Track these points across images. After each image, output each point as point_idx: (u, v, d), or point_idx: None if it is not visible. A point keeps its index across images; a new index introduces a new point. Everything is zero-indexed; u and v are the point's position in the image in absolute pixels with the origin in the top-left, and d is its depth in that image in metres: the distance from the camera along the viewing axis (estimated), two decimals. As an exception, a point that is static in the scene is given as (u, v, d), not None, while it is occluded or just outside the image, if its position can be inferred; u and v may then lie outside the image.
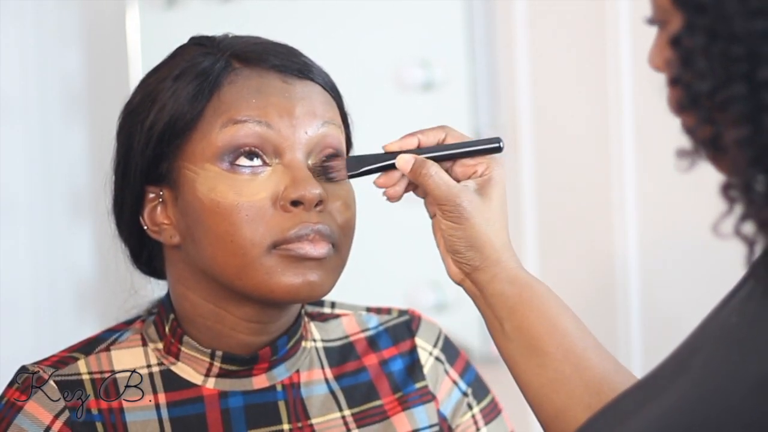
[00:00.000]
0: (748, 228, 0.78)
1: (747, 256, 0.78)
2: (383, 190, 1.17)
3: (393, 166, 1.16)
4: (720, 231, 0.82)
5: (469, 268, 1.13)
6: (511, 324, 1.10)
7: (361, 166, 1.17)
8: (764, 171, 0.78)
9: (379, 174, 1.17)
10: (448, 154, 1.15)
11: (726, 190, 0.81)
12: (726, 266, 2.13)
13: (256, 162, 1.16)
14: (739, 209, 0.79)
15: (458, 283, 1.15)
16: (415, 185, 1.17)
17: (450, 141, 1.16)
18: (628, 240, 2.25)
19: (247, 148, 1.16)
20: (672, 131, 2.44)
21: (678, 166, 0.85)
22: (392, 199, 1.18)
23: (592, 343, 1.09)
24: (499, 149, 1.14)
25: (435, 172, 1.13)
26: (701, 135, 0.81)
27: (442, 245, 1.15)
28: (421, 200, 1.19)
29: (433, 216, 1.16)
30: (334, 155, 1.18)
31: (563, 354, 1.08)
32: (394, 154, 1.16)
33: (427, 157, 1.14)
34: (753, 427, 0.68)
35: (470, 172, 1.15)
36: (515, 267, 1.13)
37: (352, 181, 1.22)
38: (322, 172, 1.17)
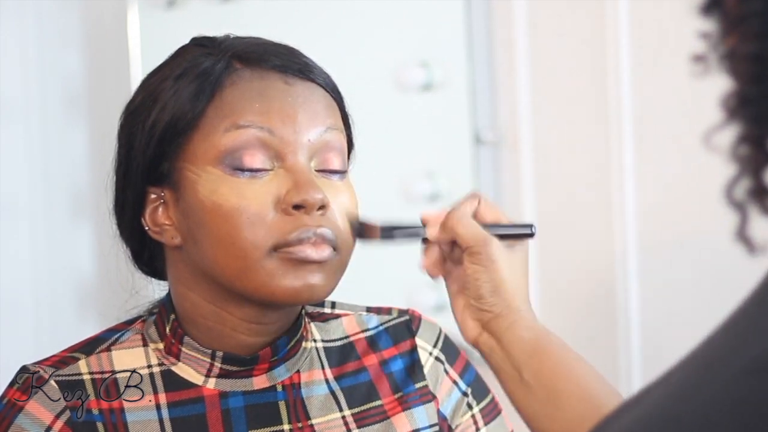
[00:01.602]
0: (741, 191, 0.77)
1: (740, 226, 0.78)
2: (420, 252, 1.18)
3: (423, 233, 1.18)
4: (712, 144, 0.83)
5: (489, 315, 1.14)
6: (529, 370, 1.11)
7: (393, 230, 1.20)
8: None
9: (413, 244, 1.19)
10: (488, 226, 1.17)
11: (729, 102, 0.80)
12: (726, 266, 2.13)
13: (258, 165, 1.16)
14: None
15: (473, 343, 1.16)
16: (449, 252, 1.18)
17: (483, 208, 1.17)
18: (628, 240, 2.25)
19: (249, 153, 1.16)
20: (672, 131, 2.45)
21: (693, 70, 0.85)
22: (433, 275, 1.19)
23: (608, 387, 1.11)
24: (531, 235, 1.16)
25: (463, 217, 1.14)
26: (727, 44, 0.79)
27: (460, 304, 1.16)
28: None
29: (452, 284, 1.17)
30: (367, 225, 1.19)
31: (581, 395, 1.09)
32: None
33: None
34: (742, 411, 0.69)
35: None
36: (533, 317, 1.14)
37: (353, 182, 1.22)
38: (358, 231, 1.19)
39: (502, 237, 1.15)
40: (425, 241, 1.18)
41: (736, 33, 0.78)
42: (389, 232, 1.19)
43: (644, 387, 0.82)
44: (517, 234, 1.16)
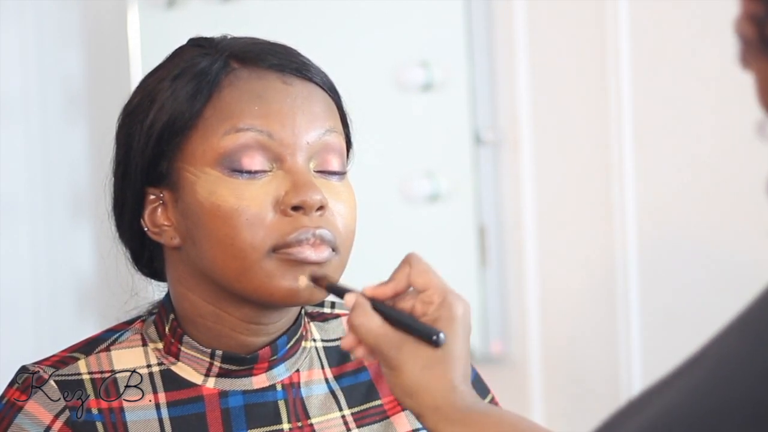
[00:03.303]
0: None
1: None
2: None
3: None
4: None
5: (414, 414, 1.04)
6: None
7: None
8: None
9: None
10: (391, 318, 1.05)
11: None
12: (726, 265, 2.13)
13: (257, 167, 1.16)
14: None
15: None
16: None
17: (414, 274, 1.07)
18: (628, 240, 2.25)
19: (248, 155, 1.16)
20: (672, 131, 2.45)
21: (734, 58, 0.82)
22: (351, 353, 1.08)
23: None
24: (435, 344, 1.03)
25: (361, 323, 1.04)
26: None
27: None
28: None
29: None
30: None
31: None
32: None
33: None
34: (759, 418, 0.68)
35: (427, 307, 1.06)
36: (464, 407, 1.02)
37: (353, 182, 1.22)
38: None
39: (408, 331, 1.04)
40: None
41: None
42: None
43: (648, 389, 0.81)
44: (422, 338, 1.03)
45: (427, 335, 1.03)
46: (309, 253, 1.15)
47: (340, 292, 1.11)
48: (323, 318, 1.30)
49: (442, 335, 1.03)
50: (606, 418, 0.84)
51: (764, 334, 0.72)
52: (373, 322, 1.04)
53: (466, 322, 1.05)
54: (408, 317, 1.05)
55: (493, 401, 1.33)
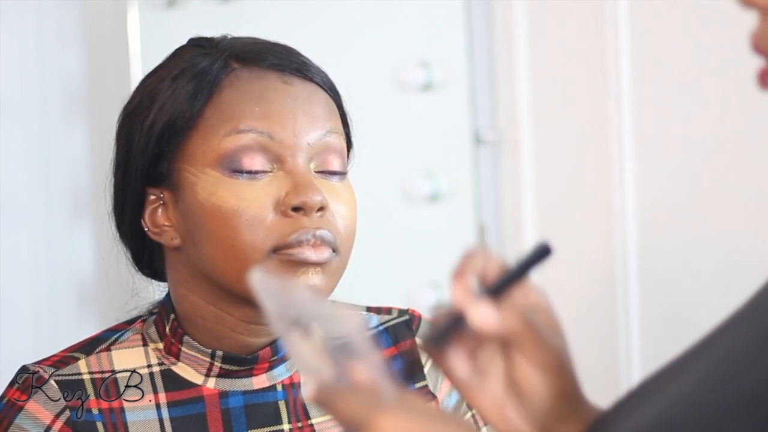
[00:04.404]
0: None
1: None
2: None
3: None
4: None
5: (551, 421, 0.85)
6: None
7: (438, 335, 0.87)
8: None
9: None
10: (514, 276, 0.86)
11: None
12: (726, 265, 2.13)
13: (258, 168, 1.16)
14: None
15: None
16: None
17: (489, 268, 0.86)
18: (628, 240, 2.25)
19: (249, 156, 1.16)
20: (672, 131, 2.45)
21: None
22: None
23: None
24: (549, 253, 0.86)
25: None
26: None
27: (497, 400, 0.87)
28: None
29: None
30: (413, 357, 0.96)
31: None
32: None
33: (499, 288, 0.85)
34: (763, 416, 0.68)
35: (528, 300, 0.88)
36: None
37: (353, 183, 1.22)
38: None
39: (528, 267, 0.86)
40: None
41: None
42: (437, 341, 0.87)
43: (649, 379, 0.80)
44: (537, 257, 0.86)
45: (541, 250, 0.86)
46: (309, 253, 1.15)
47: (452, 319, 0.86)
48: (323, 318, 1.30)
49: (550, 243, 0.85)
50: (608, 407, 0.82)
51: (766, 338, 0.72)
52: (486, 303, 0.84)
53: None
54: (512, 268, 0.86)
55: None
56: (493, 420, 0.87)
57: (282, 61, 1.20)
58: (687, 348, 0.77)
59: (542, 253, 0.87)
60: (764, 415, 0.68)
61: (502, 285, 0.85)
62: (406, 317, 1.32)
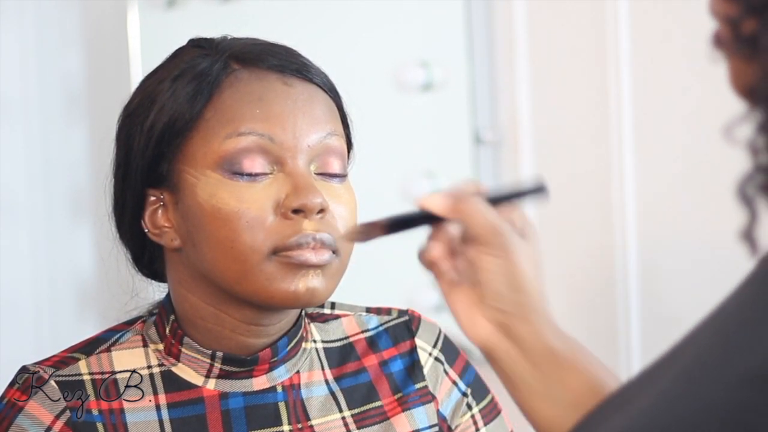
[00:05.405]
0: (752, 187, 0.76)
1: (748, 225, 0.76)
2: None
3: (428, 218, 1.00)
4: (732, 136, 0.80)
5: (506, 316, 0.97)
6: (559, 384, 0.96)
7: (398, 227, 1.03)
8: None
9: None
10: (495, 197, 0.99)
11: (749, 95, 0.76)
12: (726, 265, 2.13)
13: (258, 170, 1.16)
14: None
15: (482, 344, 0.99)
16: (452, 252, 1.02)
17: (485, 188, 1.00)
18: (628, 239, 2.25)
19: (249, 158, 1.16)
20: (672, 131, 2.45)
21: (711, 56, 0.82)
22: (441, 267, 1.02)
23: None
24: (543, 191, 1.00)
25: (477, 206, 0.97)
26: (744, 29, 0.77)
27: (463, 300, 1.00)
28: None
29: (447, 286, 1.01)
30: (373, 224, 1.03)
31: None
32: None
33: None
34: (732, 423, 0.68)
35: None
36: (553, 321, 1.00)
37: (352, 184, 1.22)
38: (363, 235, 1.04)
39: (514, 197, 0.99)
40: (432, 224, 1.01)
41: (756, 17, 0.76)
42: (395, 229, 1.02)
43: (624, 386, 0.81)
44: (530, 192, 0.99)
45: (537, 187, 0.99)
46: (309, 255, 1.15)
47: (409, 217, 1.01)
48: (323, 319, 1.30)
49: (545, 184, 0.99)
50: (584, 415, 0.83)
51: (737, 336, 0.72)
52: (486, 207, 0.97)
53: None
54: (508, 189, 0.99)
55: (492, 401, 1.33)
56: (464, 325, 1.00)
57: (282, 62, 1.20)
58: (654, 359, 0.78)
59: (537, 189, 0.99)
60: (730, 423, 0.68)
61: (491, 201, 0.98)
62: (406, 318, 1.32)
